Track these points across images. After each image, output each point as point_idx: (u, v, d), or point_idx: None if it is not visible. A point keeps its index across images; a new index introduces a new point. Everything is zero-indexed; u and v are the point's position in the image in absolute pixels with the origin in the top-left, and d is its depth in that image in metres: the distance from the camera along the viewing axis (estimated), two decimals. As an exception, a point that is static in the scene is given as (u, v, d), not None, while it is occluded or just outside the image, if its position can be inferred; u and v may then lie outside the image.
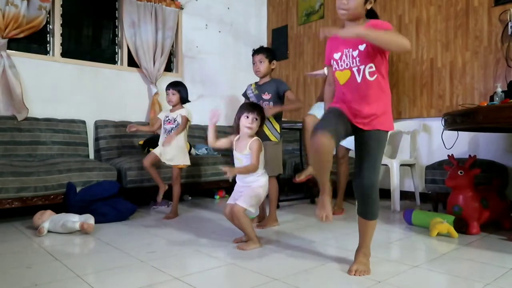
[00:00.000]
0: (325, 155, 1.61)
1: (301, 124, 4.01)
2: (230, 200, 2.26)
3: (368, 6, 1.69)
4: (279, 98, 2.73)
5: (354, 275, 1.70)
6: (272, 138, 2.71)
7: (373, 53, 1.65)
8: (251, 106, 2.26)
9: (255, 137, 2.22)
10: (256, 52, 2.78)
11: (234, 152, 2.25)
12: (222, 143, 2.27)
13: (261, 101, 2.72)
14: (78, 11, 4.03)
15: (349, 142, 2.87)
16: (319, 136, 1.58)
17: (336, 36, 1.72)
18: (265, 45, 5.35)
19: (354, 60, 1.68)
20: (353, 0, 1.65)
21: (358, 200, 1.78)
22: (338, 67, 1.74)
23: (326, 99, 1.95)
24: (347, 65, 1.71)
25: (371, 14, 1.76)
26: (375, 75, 1.67)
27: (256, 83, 2.85)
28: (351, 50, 1.69)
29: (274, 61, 2.79)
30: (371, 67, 1.66)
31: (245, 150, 2.20)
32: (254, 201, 2.18)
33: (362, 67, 1.67)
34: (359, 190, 1.74)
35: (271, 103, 2.71)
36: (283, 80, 2.89)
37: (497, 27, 3.34)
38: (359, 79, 1.68)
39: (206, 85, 4.76)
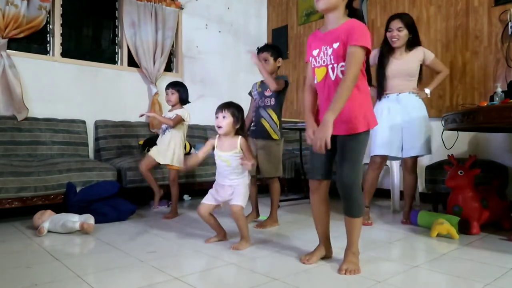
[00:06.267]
0: (316, 198, 1.89)
1: (301, 124, 4.02)
2: (209, 200, 2.21)
3: None
4: (279, 93, 2.71)
5: (345, 274, 1.71)
6: (274, 136, 2.68)
7: (345, 52, 1.67)
8: (221, 105, 2.20)
9: (240, 136, 2.19)
10: (261, 50, 2.74)
11: (217, 152, 2.20)
12: (205, 151, 2.24)
13: (263, 97, 2.72)
14: (78, 11, 4.03)
15: (382, 148, 2.81)
16: (310, 182, 1.89)
17: (317, 34, 1.82)
18: (265, 45, 5.37)
19: (329, 58, 1.73)
20: None
21: (342, 199, 1.80)
22: (316, 63, 1.79)
23: (306, 106, 1.91)
24: (324, 62, 1.75)
25: (352, 11, 1.79)
26: None
27: (262, 81, 2.82)
28: (328, 47, 1.73)
29: (280, 59, 2.75)
30: (342, 66, 1.70)
31: (233, 150, 2.16)
32: (246, 198, 2.19)
33: (335, 66, 1.72)
34: (341, 189, 1.77)
35: (273, 99, 2.70)
36: (286, 76, 2.84)
37: (497, 27, 3.34)
38: (332, 77, 1.73)
39: (206, 85, 4.76)
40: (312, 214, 1.94)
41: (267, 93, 2.71)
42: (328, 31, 1.76)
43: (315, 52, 1.79)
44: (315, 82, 1.82)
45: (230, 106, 2.19)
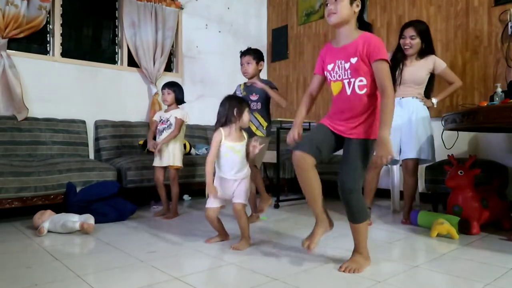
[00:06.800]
0: (305, 172, 1.75)
1: (302, 124, 4.01)
2: (214, 203, 2.18)
3: (356, 9, 1.74)
4: (266, 98, 2.80)
5: (344, 271, 1.71)
6: (258, 133, 2.75)
7: (365, 68, 1.70)
8: (246, 103, 2.27)
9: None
10: (243, 53, 2.83)
11: (229, 143, 2.15)
12: (217, 147, 2.16)
13: (248, 101, 2.76)
14: (78, 11, 4.03)
15: None
16: (296, 153, 1.74)
17: (330, 48, 1.83)
18: (265, 45, 5.38)
19: (346, 72, 1.74)
20: (339, 2, 1.70)
21: (344, 205, 1.80)
22: (332, 77, 1.81)
23: (300, 108, 1.98)
24: (339, 76, 1.77)
25: (363, 25, 1.81)
26: (365, 89, 1.72)
27: (245, 83, 2.90)
28: (343, 62, 1.75)
29: (262, 62, 2.85)
30: (361, 81, 1.72)
31: (243, 140, 2.21)
32: (248, 195, 2.22)
33: (352, 80, 1.73)
34: (340, 194, 1.76)
35: (259, 103, 2.78)
36: (272, 81, 2.93)
37: (497, 27, 3.34)
38: (348, 92, 1.74)
39: (206, 85, 4.76)
40: (303, 192, 1.84)
41: (253, 97, 2.78)
42: (342, 46, 1.77)
43: (329, 67, 1.81)
44: (333, 95, 1.83)
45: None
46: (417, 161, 2.83)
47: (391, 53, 2.89)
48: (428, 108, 2.85)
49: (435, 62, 2.81)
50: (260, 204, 2.78)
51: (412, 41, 2.76)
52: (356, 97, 1.73)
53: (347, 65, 1.72)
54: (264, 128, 2.78)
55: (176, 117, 3.00)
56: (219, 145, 2.17)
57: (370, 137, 1.73)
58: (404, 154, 2.80)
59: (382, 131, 1.63)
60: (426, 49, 2.81)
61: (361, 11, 1.77)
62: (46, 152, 3.40)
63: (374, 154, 1.70)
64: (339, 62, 1.75)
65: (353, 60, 1.71)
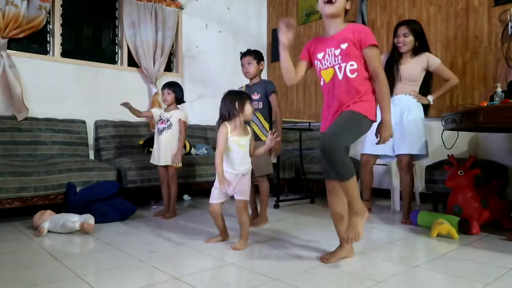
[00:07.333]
0: (336, 209, 1.90)
1: (301, 124, 4.04)
2: (218, 199, 2.19)
3: (347, 7, 1.82)
4: (267, 98, 2.81)
5: (347, 243, 1.75)
6: (263, 137, 2.74)
7: (356, 52, 1.76)
8: (248, 95, 2.28)
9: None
10: (243, 55, 2.85)
11: (235, 138, 2.15)
12: (224, 143, 2.17)
13: (249, 95, 2.79)
14: (78, 11, 4.04)
15: (370, 148, 2.96)
16: (328, 196, 1.92)
17: (319, 38, 1.92)
18: (265, 45, 5.39)
19: (336, 59, 1.79)
20: None
21: (326, 165, 1.81)
22: (322, 66, 1.85)
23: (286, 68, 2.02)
24: (330, 63, 1.82)
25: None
26: (356, 73, 1.76)
27: (247, 85, 2.92)
28: (333, 49, 1.80)
29: (262, 62, 2.87)
30: (352, 65, 1.76)
31: (248, 135, 2.22)
32: (249, 191, 2.23)
33: (343, 65, 1.77)
34: (321, 152, 1.70)
35: (260, 103, 2.79)
36: (273, 82, 2.93)
37: (497, 27, 3.34)
38: (340, 76, 1.79)
39: (206, 85, 4.76)
40: (330, 215, 1.94)
41: (255, 97, 2.79)
42: (331, 36, 1.84)
43: (320, 56, 1.86)
44: (322, 83, 1.88)
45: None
46: (410, 157, 2.85)
47: (388, 54, 2.95)
48: (425, 105, 2.89)
49: (428, 59, 2.84)
50: (257, 220, 2.77)
51: (405, 39, 2.82)
52: (347, 81, 1.77)
53: (337, 51, 1.78)
54: (267, 130, 2.77)
55: (180, 119, 3.01)
56: (226, 139, 2.15)
57: (360, 112, 1.74)
58: (397, 150, 2.85)
59: (384, 115, 1.77)
60: (420, 47, 2.86)
61: (345, 13, 1.85)
62: (46, 152, 3.40)
63: (379, 136, 1.79)
64: (329, 50, 1.81)
65: (344, 45, 1.76)
